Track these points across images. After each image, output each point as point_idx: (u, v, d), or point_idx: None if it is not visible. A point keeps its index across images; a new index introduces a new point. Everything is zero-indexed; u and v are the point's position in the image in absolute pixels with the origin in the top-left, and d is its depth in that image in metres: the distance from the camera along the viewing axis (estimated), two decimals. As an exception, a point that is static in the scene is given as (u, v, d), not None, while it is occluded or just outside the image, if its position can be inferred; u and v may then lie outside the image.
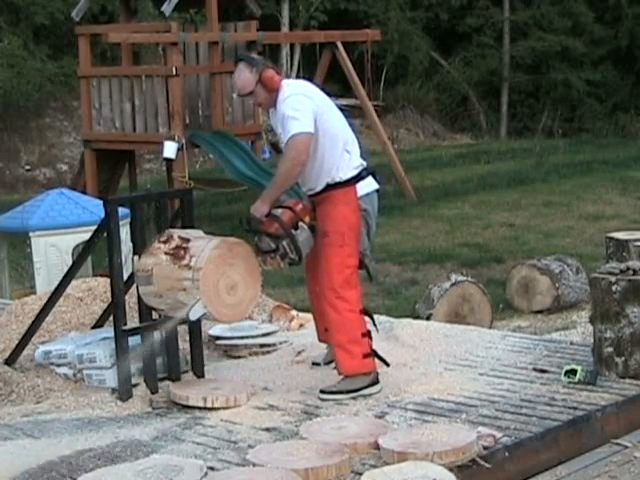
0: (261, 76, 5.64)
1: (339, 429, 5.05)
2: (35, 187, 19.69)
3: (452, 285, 8.87)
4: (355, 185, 5.80)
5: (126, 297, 5.92)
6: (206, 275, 5.39)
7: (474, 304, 8.90)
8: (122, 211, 5.93)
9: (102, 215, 5.80)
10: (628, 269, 5.86)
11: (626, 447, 5.24)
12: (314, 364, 6.33)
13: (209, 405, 5.60)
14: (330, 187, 5.71)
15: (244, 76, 5.70)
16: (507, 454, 4.84)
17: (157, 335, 5.89)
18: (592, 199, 15.52)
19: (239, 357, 6.69)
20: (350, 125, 5.92)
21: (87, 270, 8.72)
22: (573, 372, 5.75)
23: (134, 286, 5.89)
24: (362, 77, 16.35)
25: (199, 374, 6.09)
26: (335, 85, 21.41)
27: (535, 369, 6.08)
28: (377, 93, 24.07)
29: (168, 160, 13.94)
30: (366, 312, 5.87)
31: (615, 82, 27.84)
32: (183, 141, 13.64)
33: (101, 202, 5.85)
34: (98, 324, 6.60)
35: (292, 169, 5.52)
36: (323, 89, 5.89)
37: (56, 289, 6.26)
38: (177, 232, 5.68)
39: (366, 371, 5.73)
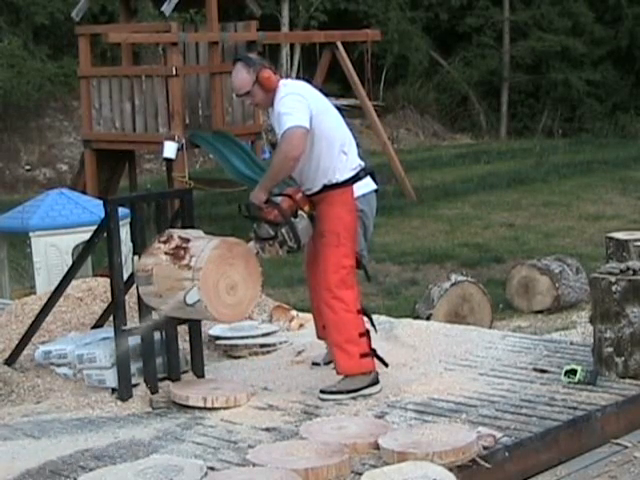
0: (258, 76, 5.64)
1: (339, 429, 5.05)
2: (35, 187, 19.69)
3: (452, 285, 8.87)
4: (352, 186, 5.80)
5: (126, 297, 5.92)
6: (206, 275, 5.39)
7: (474, 304, 8.90)
8: (122, 211, 5.93)
9: (102, 215, 5.80)
10: (628, 269, 5.86)
11: (626, 447, 5.24)
12: (314, 364, 6.33)
13: (209, 405, 5.60)
14: (327, 188, 5.72)
15: (241, 76, 5.71)
16: (507, 454, 4.84)
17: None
18: (592, 199, 15.52)
19: (239, 357, 6.69)
20: (348, 126, 5.92)
21: (87, 270, 8.72)
22: (573, 372, 5.75)
23: (134, 286, 5.89)
24: (362, 77, 16.36)
25: (199, 374, 6.09)
26: (335, 85, 21.44)
27: (535, 369, 6.07)
28: (377, 93, 24.08)
29: (168, 160, 13.94)
30: (364, 312, 5.87)
31: (615, 82, 27.83)
32: (183, 141, 13.64)
33: (101, 202, 5.85)
34: (98, 324, 6.60)
35: (284, 163, 5.52)
36: (321, 90, 5.90)
37: (56, 289, 6.26)
38: (177, 232, 5.68)
39: (364, 371, 5.73)
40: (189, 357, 6.15)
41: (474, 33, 28.00)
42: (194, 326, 6.05)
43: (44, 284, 8.46)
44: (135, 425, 5.44)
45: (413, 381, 5.92)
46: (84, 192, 12.73)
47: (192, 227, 5.94)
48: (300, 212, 5.62)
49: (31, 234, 8.70)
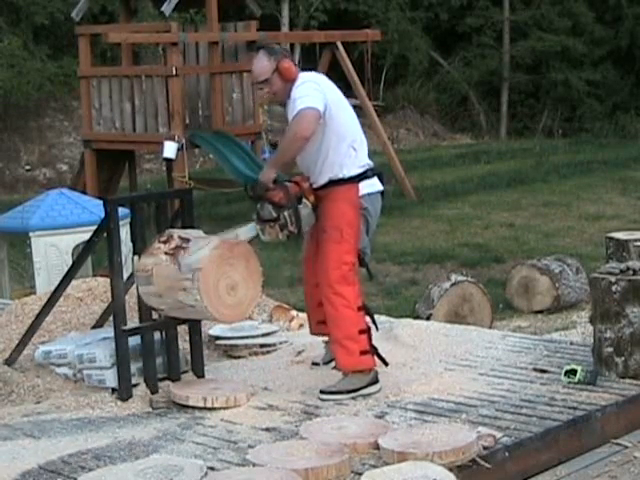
0: (278, 65, 5.65)
1: (339, 429, 5.05)
2: (35, 187, 19.69)
3: (452, 285, 8.88)
4: (358, 183, 5.80)
5: (126, 297, 5.92)
6: (206, 275, 5.39)
7: (474, 304, 8.90)
8: (122, 211, 5.93)
9: (102, 215, 5.80)
10: (628, 269, 5.86)
11: (626, 447, 5.24)
12: (314, 364, 6.33)
13: (209, 405, 5.59)
14: (333, 183, 5.72)
15: (261, 64, 5.71)
16: (507, 454, 4.84)
17: None
18: (592, 199, 15.52)
19: (239, 357, 6.69)
20: (362, 127, 5.93)
21: (87, 270, 8.72)
22: (573, 372, 5.75)
23: (134, 286, 5.89)
24: (362, 77, 16.36)
25: (199, 374, 6.09)
26: (335, 85, 21.39)
27: (535, 369, 6.07)
28: (377, 93, 24.05)
29: (168, 160, 13.94)
30: (366, 310, 5.86)
31: (615, 82, 27.83)
32: (183, 141, 13.64)
33: (101, 202, 5.85)
34: (98, 324, 6.60)
35: (294, 142, 5.53)
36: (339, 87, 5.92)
37: (56, 289, 6.26)
38: (177, 232, 5.68)
39: (364, 367, 5.72)
40: (189, 357, 6.15)
41: (474, 33, 27.99)
42: (194, 326, 6.05)
43: (44, 284, 8.46)
44: (135, 425, 5.44)
45: (413, 381, 5.92)
46: (84, 192, 12.73)
47: (192, 227, 5.94)
48: (305, 200, 5.64)
49: (31, 234, 8.70)
